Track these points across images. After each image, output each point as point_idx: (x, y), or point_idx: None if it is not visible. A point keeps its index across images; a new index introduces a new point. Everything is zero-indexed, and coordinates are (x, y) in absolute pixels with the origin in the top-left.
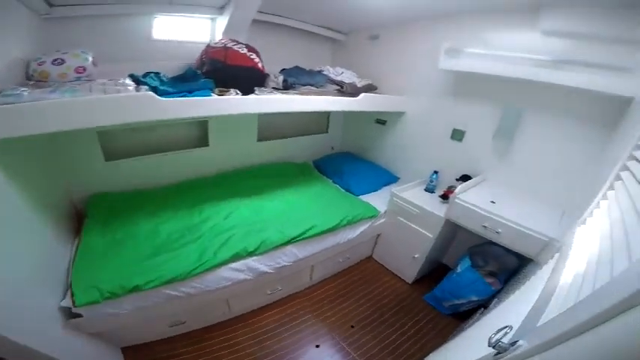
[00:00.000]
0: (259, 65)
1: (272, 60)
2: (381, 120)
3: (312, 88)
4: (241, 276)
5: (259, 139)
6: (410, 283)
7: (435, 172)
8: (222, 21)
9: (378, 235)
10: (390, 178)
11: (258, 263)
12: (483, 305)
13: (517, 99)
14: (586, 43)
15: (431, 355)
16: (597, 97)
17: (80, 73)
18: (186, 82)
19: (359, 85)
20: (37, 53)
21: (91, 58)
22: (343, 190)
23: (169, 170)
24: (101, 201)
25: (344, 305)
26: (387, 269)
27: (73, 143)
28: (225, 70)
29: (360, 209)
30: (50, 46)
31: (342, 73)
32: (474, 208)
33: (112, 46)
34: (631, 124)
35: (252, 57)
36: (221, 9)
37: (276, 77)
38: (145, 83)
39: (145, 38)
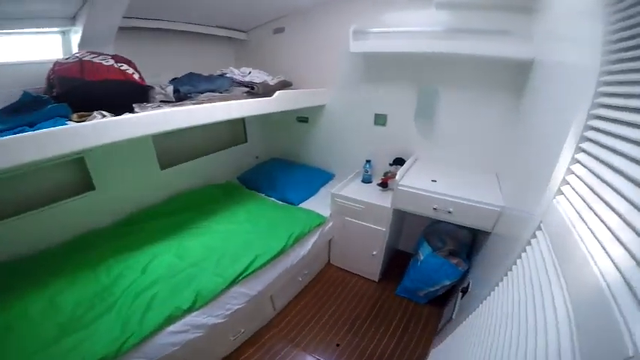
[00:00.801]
0: (134, 77)
1: (160, 71)
2: (302, 118)
3: (215, 94)
4: (189, 336)
5: (163, 167)
6: (377, 281)
7: (368, 161)
8: (78, 33)
9: (330, 239)
10: (326, 177)
11: (203, 317)
12: (458, 285)
13: (431, 77)
14: (479, 12)
15: (433, 352)
16: (502, 65)
17: None
18: (22, 112)
19: (272, 84)
20: None
21: None
22: (281, 203)
23: (52, 228)
24: None
25: (320, 324)
26: (350, 272)
27: None
28: (84, 89)
29: (304, 220)
30: None
31: (250, 72)
32: (419, 192)
33: None
34: (539, 81)
35: (122, 68)
36: (73, 19)
37: (163, 89)
38: None
39: None
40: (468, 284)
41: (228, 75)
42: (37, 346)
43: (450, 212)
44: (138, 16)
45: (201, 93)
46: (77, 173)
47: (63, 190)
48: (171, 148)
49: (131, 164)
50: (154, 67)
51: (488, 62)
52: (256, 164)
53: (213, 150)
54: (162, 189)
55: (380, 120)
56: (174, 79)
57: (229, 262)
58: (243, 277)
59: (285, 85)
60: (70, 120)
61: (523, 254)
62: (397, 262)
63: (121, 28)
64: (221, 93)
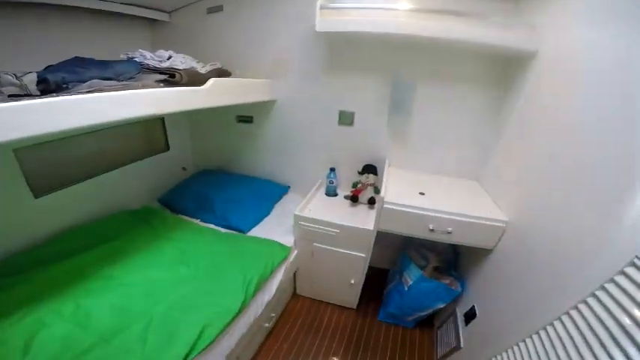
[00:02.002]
0: None
1: (38, 60)
2: (244, 117)
3: (111, 83)
4: None
5: (38, 193)
6: (355, 308)
7: (332, 170)
8: None
9: (295, 270)
10: (279, 191)
11: None
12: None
13: (407, 68)
14: None
15: None
16: (488, 56)
17: None
18: None
19: (203, 71)
20: None
21: None
22: (224, 231)
23: None
24: None
25: None
26: (322, 301)
27: None
28: None
29: (263, 255)
30: None
31: (171, 57)
32: (411, 210)
33: None
34: (535, 82)
35: None
36: None
37: (18, 78)
38: None
39: None
40: (473, 309)
41: (136, 59)
42: None
43: (449, 232)
44: None
45: (84, 82)
46: None
47: None
48: (50, 165)
49: None
50: (38, 57)
51: (476, 52)
52: (185, 180)
53: (120, 163)
54: (39, 225)
55: (345, 119)
56: (47, 67)
57: (162, 339)
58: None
59: (221, 74)
60: None
61: (599, 292)
62: (372, 280)
63: None
64: (120, 82)
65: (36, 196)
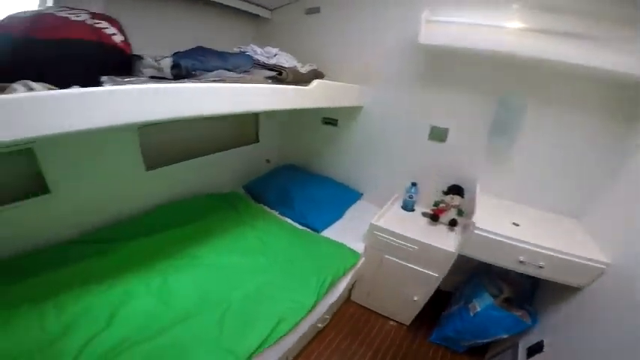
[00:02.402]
0: (114, 39)
1: (162, 45)
2: (330, 119)
3: (230, 74)
4: None
5: (149, 167)
6: (408, 324)
7: (414, 185)
8: None
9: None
10: (352, 197)
11: None
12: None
13: (517, 88)
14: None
15: None
16: (607, 85)
17: None
18: None
19: (302, 72)
20: None
21: None
22: (299, 227)
23: None
24: None
25: None
26: (375, 312)
27: None
28: (21, 50)
29: (335, 258)
30: None
31: (276, 55)
32: (503, 239)
33: None
34: None
35: (97, 25)
36: None
37: (157, 61)
38: None
39: None
40: (540, 344)
41: (248, 53)
42: None
43: (540, 267)
44: None
45: (209, 71)
46: (23, 169)
47: (6, 190)
48: (162, 143)
49: (105, 160)
50: (161, 41)
51: (592, 79)
52: (268, 171)
53: (216, 149)
54: (145, 196)
55: (437, 134)
56: (176, 53)
57: (238, 327)
58: (258, 352)
59: (317, 75)
60: None
61: None
62: (431, 301)
63: None
64: (238, 74)
65: (147, 169)
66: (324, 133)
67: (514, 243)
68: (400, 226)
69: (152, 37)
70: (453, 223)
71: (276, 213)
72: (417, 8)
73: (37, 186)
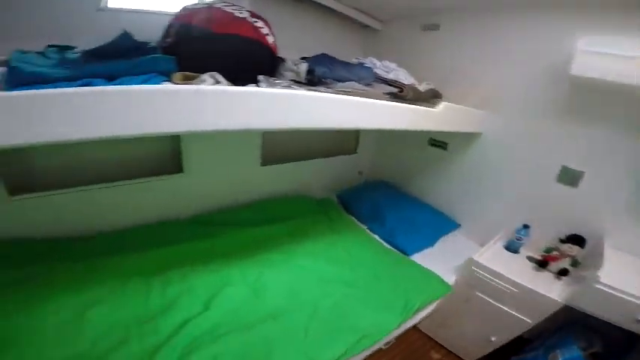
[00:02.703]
0: (268, 40)
1: (284, 44)
2: (439, 142)
3: (358, 86)
4: None
5: (264, 163)
6: None
7: (526, 227)
8: None
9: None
10: (449, 226)
11: None
12: None
13: None
14: None
15: None
16: None
17: None
18: (109, 58)
19: (422, 90)
20: None
21: None
22: (387, 246)
23: (116, 209)
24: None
25: None
26: (440, 344)
27: None
28: (205, 42)
29: (424, 286)
30: None
31: (394, 70)
32: (625, 296)
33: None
34: None
35: (257, 24)
36: None
37: (296, 65)
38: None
39: (93, 7)
40: None
41: (367, 65)
42: None
43: None
44: None
45: (338, 81)
46: (168, 149)
47: (147, 165)
48: (277, 143)
49: (232, 151)
50: (284, 40)
51: None
52: (363, 184)
53: (316, 155)
54: (255, 188)
55: (569, 177)
56: (304, 58)
57: (323, 335)
58: None
59: (435, 95)
60: (173, 80)
61: None
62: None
63: None
64: (363, 87)
65: (261, 165)
66: (429, 155)
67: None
68: (502, 266)
69: (283, 38)
70: (563, 273)
71: (364, 227)
72: (568, 34)
73: (175, 165)
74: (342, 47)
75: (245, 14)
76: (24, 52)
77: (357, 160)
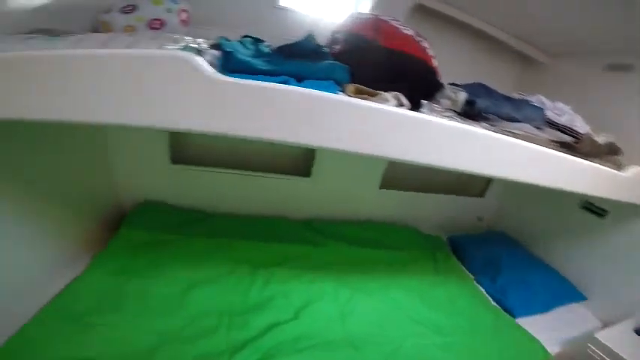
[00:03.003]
0: (433, 62)
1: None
2: (597, 208)
3: (527, 128)
4: None
5: (382, 186)
6: None
7: None
8: None
9: None
10: (572, 296)
11: None
12: None
13: None
14: None
15: None
16: None
17: (155, 27)
18: (293, 57)
19: (600, 142)
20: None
21: (180, 12)
22: (492, 302)
23: (245, 196)
24: (149, 213)
25: None
26: None
27: (130, 131)
28: (374, 54)
29: (523, 353)
30: None
31: (567, 114)
32: None
33: (218, 4)
34: None
35: (423, 44)
36: None
37: (454, 93)
38: (221, 48)
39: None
40: None
41: (536, 105)
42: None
43: None
44: None
45: (504, 118)
46: (303, 153)
47: (280, 163)
48: (399, 169)
49: (356, 169)
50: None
51: None
52: (484, 233)
53: (436, 190)
54: (367, 209)
55: None
56: (453, 84)
57: None
58: None
59: (613, 151)
60: (344, 91)
61: None
62: None
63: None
64: (531, 131)
65: (380, 187)
66: (578, 220)
67: None
68: (626, 351)
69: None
70: None
71: (471, 276)
72: None
73: (305, 169)
74: (495, 78)
75: (411, 32)
76: (228, 40)
77: (481, 205)
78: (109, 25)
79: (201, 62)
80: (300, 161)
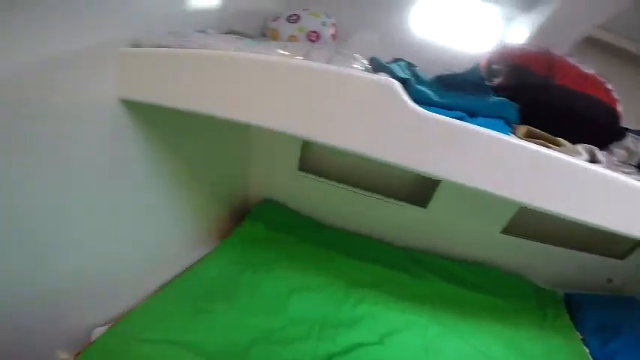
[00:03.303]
0: (619, 108)
1: None
2: None
3: None
4: None
5: (504, 231)
6: None
7: None
8: (526, 22)
9: None
10: None
11: None
12: None
13: None
14: None
15: None
16: None
17: (312, 40)
18: (456, 89)
19: None
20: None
21: (331, 26)
22: None
23: (355, 213)
24: (270, 211)
25: None
26: None
27: (271, 135)
28: (549, 94)
29: None
30: (292, 4)
31: None
32: None
33: (362, 23)
34: None
35: (607, 86)
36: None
37: (634, 143)
38: (390, 71)
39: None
40: None
41: None
42: (222, 341)
43: None
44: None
45: None
46: (421, 182)
47: (394, 187)
48: (529, 217)
49: (479, 207)
50: None
51: None
52: (611, 295)
53: (567, 244)
54: (481, 251)
55: None
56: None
57: None
58: None
59: None
60: (515, 132)
61: None
62: None
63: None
64: None
65: (502, 232)
66: None
67: None
68: None
69: None
70: None
71: (579, 338)
72: None
73: (420, 199)
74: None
75: (591, 71)
76: (380, 60)
77: (617, 267)
78: (277, 32)
79: (403, 91)
80: (418, 190)
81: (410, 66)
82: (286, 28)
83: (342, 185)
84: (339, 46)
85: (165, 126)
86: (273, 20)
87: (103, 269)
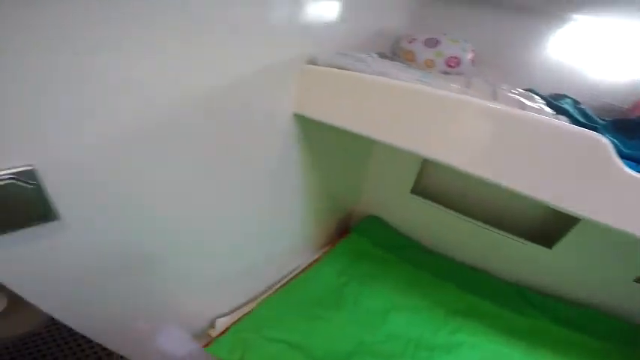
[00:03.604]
0: None
1: None
2: None
3: None
4: None
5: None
6: None
7: None
8: None
9: None
10: None
11: None
12: None
13: None
14: None
15: None
16: None
17: (451, 66)
18: (633, 133)
19: None
20: (408, 30)
21: (470, 51)
22: None
23: (463, 243)
24: (376, 228)
25: None
26: None
27: (392, 155)
28: None
29: None
30: (422, 27)
31: None
32: None
33: (495, 46)
34: None
35: None
36: None
37: None
38: (564, 111)
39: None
40: None
41: None
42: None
43: None
44: None
45: None
46: (551, 221)
47: (518, 224)
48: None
49: (621, 251)
50: None
51: None
52: None
53: None
54: (609, 298)
55: None
56: None
57: None
58: None
59: None
60: None
61: None
62: None
63: None
64: None
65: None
66: None
67: None
68: None
69: None
70: None
71: None
72: None
73: (547, 238)
74: None
75: None
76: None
77: None
78: (413, 55)
79: (609, 149)
80: (547, 229)
81: (576, 103)
82: (424, 52)
83: (453, 212)
84: (481, 73)
85: (316, 140)
86: (409, 42)
87: (229, 265)
